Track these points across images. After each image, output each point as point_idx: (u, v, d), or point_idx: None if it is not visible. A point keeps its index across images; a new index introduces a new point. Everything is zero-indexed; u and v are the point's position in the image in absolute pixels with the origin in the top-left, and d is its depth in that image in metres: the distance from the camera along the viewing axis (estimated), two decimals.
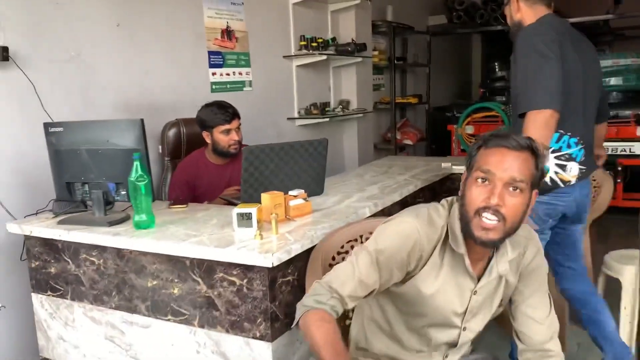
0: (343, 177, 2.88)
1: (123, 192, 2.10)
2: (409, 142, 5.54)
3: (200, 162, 2.77)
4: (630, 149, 4.77)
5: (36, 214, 2.28)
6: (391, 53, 5.21)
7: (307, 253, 1.72)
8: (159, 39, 3.20)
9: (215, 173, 2.76)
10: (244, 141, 2.76)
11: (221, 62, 3.65)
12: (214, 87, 3.60)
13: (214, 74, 3.59)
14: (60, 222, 2.10)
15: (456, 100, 6.57)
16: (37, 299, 2.24)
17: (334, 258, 1.73)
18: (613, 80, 4.91)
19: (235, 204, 2.30)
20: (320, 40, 4.33)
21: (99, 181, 2.10)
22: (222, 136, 2.66)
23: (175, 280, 1.85)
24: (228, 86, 3.72)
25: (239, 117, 2.71)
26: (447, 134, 6.33)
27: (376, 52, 5.24)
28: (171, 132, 3.03)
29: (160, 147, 3.10)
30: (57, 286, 2.16)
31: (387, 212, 2.29)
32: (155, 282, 1.90)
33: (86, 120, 2.28)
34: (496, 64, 6.00)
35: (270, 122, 4.10)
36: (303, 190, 2.07)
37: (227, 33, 3.68)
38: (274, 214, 1.78)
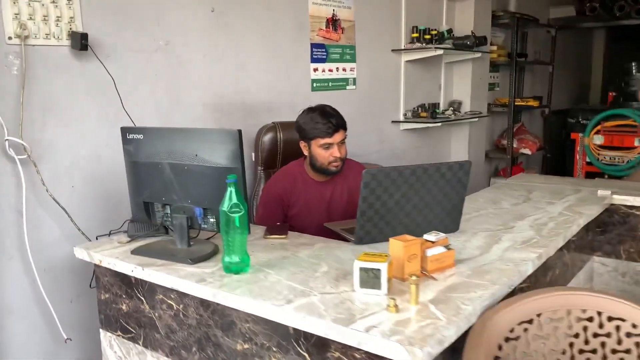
0: (473, 202, 2.31)
1: (212, 220, 1.66)
2: (527, 151, 4.83)
3: (298, 175, 2.30)
4: None
5: (109, 234, 1.91)
6: (512, 48, 4.52)
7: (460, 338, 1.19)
8: (257, 27, 2.77)
9: (313, 191, 2.28)
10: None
11: (324, 56, 3.17)
12: (314, 85, 3.13)
13: (315, 69, 3.12)
14: (134, 251, 1.70)
15: (577, 105, 5.73)
16: (105, 337, 1.87)
17: (500, 347, 1.20)
18: None
19: (346, 239, 1.81)
20: (434, 32, 3.75)
21: (183, 204, 1.68)
22: (320, 150, 2.18)
23: (274, 349, 1.38)
24: (330, 84, 3.24)
25: (344, 129, 2.21)
26: (564, 143, 5.54)
27: (494, 47, 4.57)
28: (267, 138, 2.59)
29: (253, 154, 2.68)
30: (128, 327, 1.77)
31: (551, 263, 1.72)
32: (247, 346, 1.44)
33: (171, 128, 1.84)
34: (633, 64, 5.14)
35: (372, 127, 3.59)
36: (443, 234, 1.54)
37: (333, 22, 3.19)
38: (413, 276, 1.26)
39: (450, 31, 3.95)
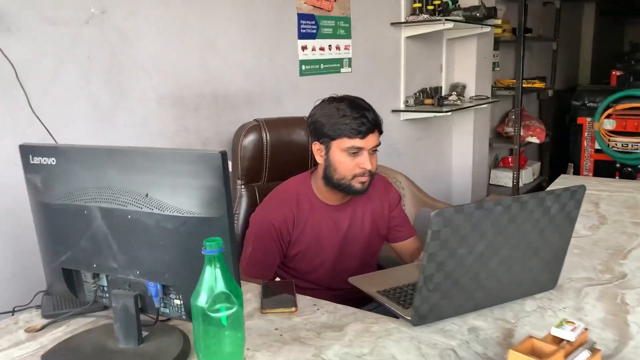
0: None
1: (177, 302, 0.99)
2: (535, 140, 4.27)
3: (303, 198, 1.62)
4: None
5: (12, 312, 1.21)
6: (520, 22, 3.92)
7: None
8: None
9: (325, 220, 1.62)
10: None
11: (314, 31, 2.48)
12: (303, 68, 2.45)
13: (304, 48, 2.44)
14: (47, 356, 1.02)
15: (582, 85, 5.21)
16: None
17: None
18: None
19: (394, 314, 1.17)
20: (437, 2, 3.11)
21: (127, 276, 1.00)
22: (344, 157, 1.51)
23: None
24: (322, 66, 2.56)
25: (380, 131, 1.55)
26: (567, 128, 5.00)
27: (499, 21, 3.96)
28: (249, 141, 1.90)
29: (230, 163, 1.99)
30: None
31: None
32: None
33: (101, 147, 1.10)
34: None
35: None
36: (578, 324, 0.90)
37: None
38: None
39: (456, 1, 3.31)
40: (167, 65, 1.85)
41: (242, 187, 1.94)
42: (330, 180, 1.55)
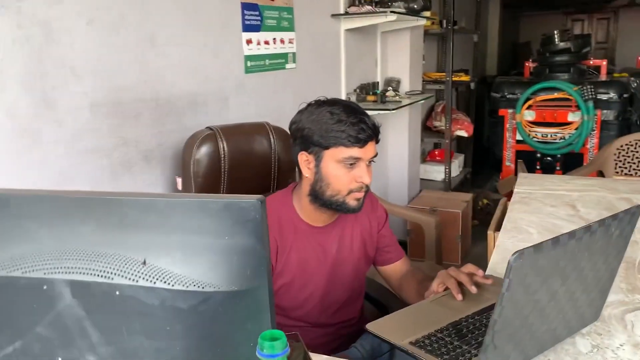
0: (516, 232, 1.59)
1: None
2: (463, 133, 4.28)
3: (285, 220, 1.37)
4: None
5: None
6: (448, 14, 3.88)
7: None
8: None
9: (311, 244, 1.38)
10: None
11: (259, 22, 2.21)
12: (248, 64, 2.17)
13: (249, 41, 2.16)
14: None
15: (501, 77, 5.32)
16: None
17: None
18: None
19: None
20: None
21: None
22: (339, 169, 1.28)
23: None
24: (267, 62, 2.29)
25: (377, 140, 1.33)
26: (483, 119, 5.11)
27: (427, 13, 3.89)
28: (203, 154, 1.62)
29: (179, 180, 1.69)
30: None
31: None
32: None
33: (70, 193, 0.75)
34: (556, 32, 4.82)
35: None
36: None
37: None
38: None
39: None
40: (100, 64, 1.51)
41: None
42: (320, 197, 1.32)
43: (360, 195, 1.31)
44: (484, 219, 4.08)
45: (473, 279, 1.23)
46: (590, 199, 1.96)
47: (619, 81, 4.63)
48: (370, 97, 3.04)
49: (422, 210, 3.52)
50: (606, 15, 9.75)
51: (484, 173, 5.48)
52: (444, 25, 3.99)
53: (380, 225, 1.52)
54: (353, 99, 3.00)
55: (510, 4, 7.54)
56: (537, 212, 1.84)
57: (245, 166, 1.69)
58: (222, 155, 1.64)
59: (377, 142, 1.32)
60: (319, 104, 1.31)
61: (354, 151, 1.26)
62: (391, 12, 2.77)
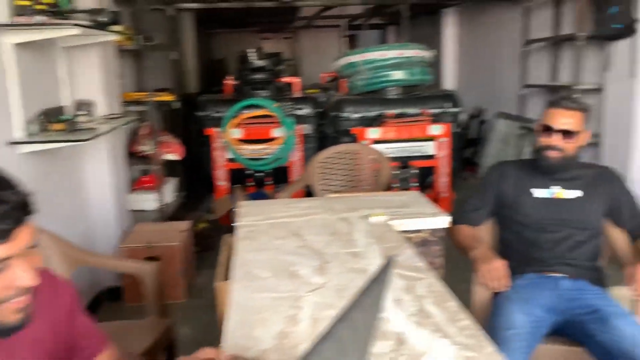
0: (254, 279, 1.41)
1: None
2: (174, 157, 3.98)
3: None
4: (422, 149, 4.40)
5: None
6: (141, 29, 3.54)
7: None
8: None
9: None
10: None
11: None
12: None
13: None
14: None
15: (204, 95, 5.17)
16: None
17: None
18: (398, 74, 4.43)
19: None
20: (48, 1, 2.44)
21: None
22: None
23: None
24: None
25: (28, 216, 0.92)
26: (195, 140, 4.91)
27: (120, 28, 3.48)
28: None
29: None
30: None
31: None
32: None
33: None
34: (251, 51, 4.89)
35: None
36: None
37: None
38: None
39: (71, 1, 2.69)
40: None
41: None
42: None
43: (21, 303, 0.91)
44: (204, 243, 3.88)
45: None
46: (314, 224, 1.91)
47: (312, 97, 5.00)
48: (57, 126, 2.51)
49: (137, 250, 3.12)
50: (289, 35, 10.73)
51: (199, 195, 5.30)
52: (140, 42, 3.64)
53: (71, 314, 1.12)
54: (34, 128, 2.42)
55: (203, 21, 7.57)
56: (266, 248, 1.68)
57: None
58: None
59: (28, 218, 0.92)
60: None
61: None
62: (75, 24, 2.30)
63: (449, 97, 4.66)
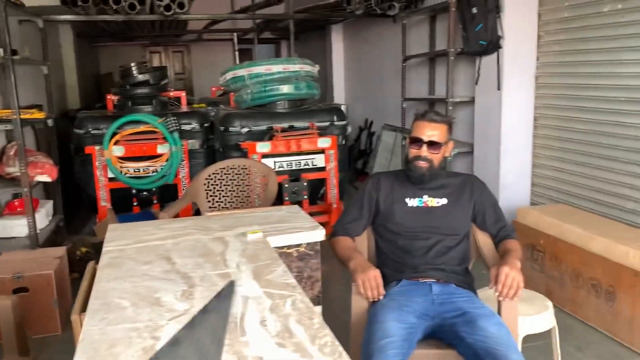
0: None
1: None
2: (46, 178, 3.69)
3: None
4: (312, 162, 4.44)
5: None
6: (2, 42, 3.26)
7: None
8: None
9: None
10: None
11: None
12: None
13: None
14: None
15: (83, 111, 4.86)
16: None
17: None
18: (285, 88, 4.44)
19: None
20: None
21: None
22: None
23: None
24: None
25: None
26: (71, 159, 4.60)
27: None
28: None
29: None
30: None
31: None
32: None
33: None
34: (133, 65, 4.68)
35: None
36: None
37: None
38: None
39: None
40: None
41: None
42: None
43: None
44: (84, 269, 3.63)
45: None
46: (185, 246, 1.84)
47: (199, 111, 4.88)
48: None
49: (2, 281, 2.85)
50: (180, 49, 10.47)
51: (80, 217, 4.98)
52: (1, 55, 3.35)
53: None
54: None
55: (84, 34, 7.18)
56: (131, 275, 1.59)
57: None
58: None
59: None
60: None
61: None
62: None
63: (336, 111, 4.76)
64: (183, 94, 5.31)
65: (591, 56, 3.35)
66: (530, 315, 2.19)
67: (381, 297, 1.93)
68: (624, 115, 3.15)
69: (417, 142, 2.10)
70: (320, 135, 4.42)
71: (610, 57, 3.21)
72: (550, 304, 2.32)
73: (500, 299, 1.94)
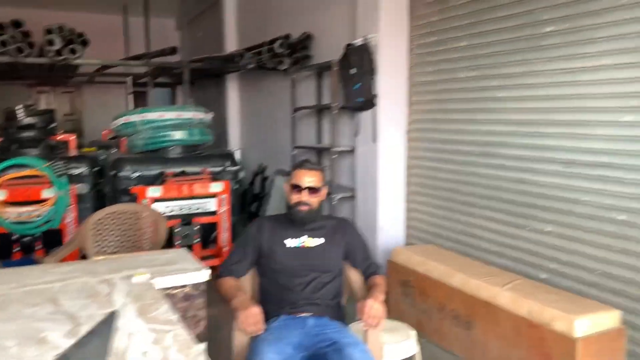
0: None
1: None
2: None
3: None
4: (204, 206, 4.56)
5: None
6: None
7: None
8: None
9: None
10: None
11: None
12: None
13: None
14: None
15: None
16: None
17: None
18: (178, 135, 4.57)
19: None
20: None
21: None
22: None
23: None
24: None
25: None
26: None
27: None
28: None
29: None
30: None
31: None
32: None
33: None
34: (19, 107, 4.56)
35: None
36: None
37: None
38: None
39: None
40: None
41: None
42: None
43: None
44: None
45: None
46: (73, 288, 1.92)
47: (89, 156, 4.86)
48: None
49: None
50: (70, 89, 10.16)
51: None
52: None
53: None
54: None
55: None
56: (16, 317, 1.66)
57: None
58: None
59: None
60: None
61: None
62: None
63: (228, 156, 4.96)
64: (72, 138, 5.25)
65: (452, 115, 3.86)
66: (394, 343, 2.47)
67: (260, 332, 2.12)
68: (479, 166, 3.65)
69: (297, 188, 2.36)
70: (213, 180, 4.58)
71: (467, 117, 3.73)
72: (413, 332, 2.62)
73: (365, 328, 2.20)
